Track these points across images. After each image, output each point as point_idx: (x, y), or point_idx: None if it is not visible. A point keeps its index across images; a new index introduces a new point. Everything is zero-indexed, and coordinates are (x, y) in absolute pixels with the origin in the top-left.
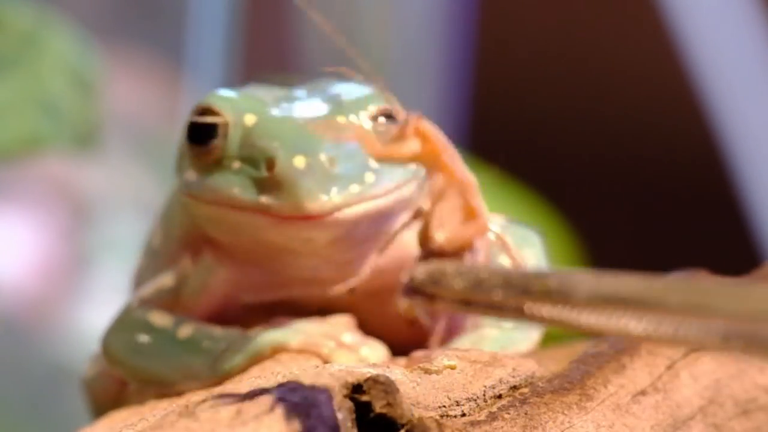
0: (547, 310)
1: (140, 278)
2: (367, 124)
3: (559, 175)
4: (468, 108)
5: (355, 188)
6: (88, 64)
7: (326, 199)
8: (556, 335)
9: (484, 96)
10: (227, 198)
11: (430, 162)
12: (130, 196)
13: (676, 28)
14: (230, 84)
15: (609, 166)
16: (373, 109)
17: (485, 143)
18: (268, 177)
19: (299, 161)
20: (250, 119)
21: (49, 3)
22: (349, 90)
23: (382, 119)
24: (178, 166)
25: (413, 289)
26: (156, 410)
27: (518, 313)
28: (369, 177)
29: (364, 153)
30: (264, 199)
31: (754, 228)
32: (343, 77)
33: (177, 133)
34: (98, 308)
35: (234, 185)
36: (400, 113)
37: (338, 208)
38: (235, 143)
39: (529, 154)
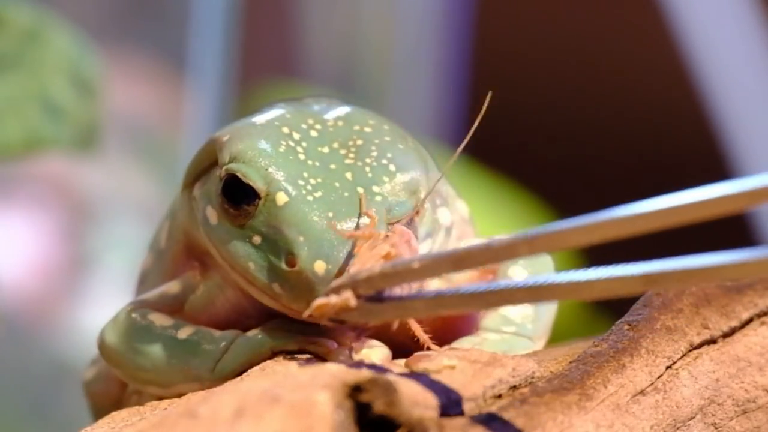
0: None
1: (145, 276)
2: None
3: (557, 175)
4: (468, 108)
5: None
6: (89, 64)
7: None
8: (556, 335)
9: (484, 96)
10: (242, 269)
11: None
12: (130, 196)
13: (676, 27)
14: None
15: (609, 166)
16: (392, 219)
17: (484, 144)
18: (285, 270)
19: (320, 267)
20: (281, 198)
21: (50, 3)
22: (384, 168)
23: (401, 225)
24: (195, 175)
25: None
26: (156, 410)
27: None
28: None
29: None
30: (277, 288)
31: (755, 227)
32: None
33: (177, 134)
34: (98, 308)
35: (251, 261)
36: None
37: None
38: (263, 217)
39: (529, 157)
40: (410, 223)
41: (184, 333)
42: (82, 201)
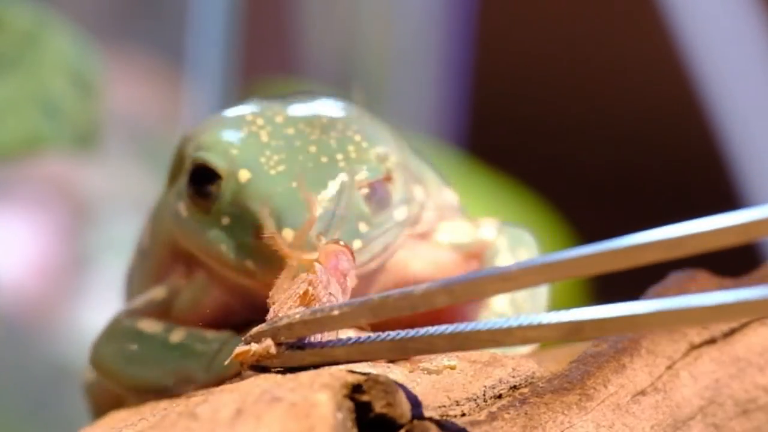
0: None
1: (131, 278)
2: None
3: (557, 175)
4: (468, 108)
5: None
6: (88, 64)
7: None
8: None
9: (484, 96)
10: (214, 252)
11: (308, 266)
12: (130, 196)
13: (676, 28)
14: (230, 85)
15: (608, 166)
16: (361, 180)
17: (484, 144)
18: (254, 242)
19: (287, 234)
20: (243, 175)
21: (49, 3)
22: (349, 138)
23: (372, 184)
24: (172, 176)
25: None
26: (156, 410)
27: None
28: (356, 244)
29: (356, 215)
30: (249, 264)
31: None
32: (350, 99)
33: (177, 133)
34: (98, 308)
35: (221, 242)
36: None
37: None
38: (227, 197)
39: (528, 155)
40: (382, 189)
41: (176, 336)
42: (82, 201)
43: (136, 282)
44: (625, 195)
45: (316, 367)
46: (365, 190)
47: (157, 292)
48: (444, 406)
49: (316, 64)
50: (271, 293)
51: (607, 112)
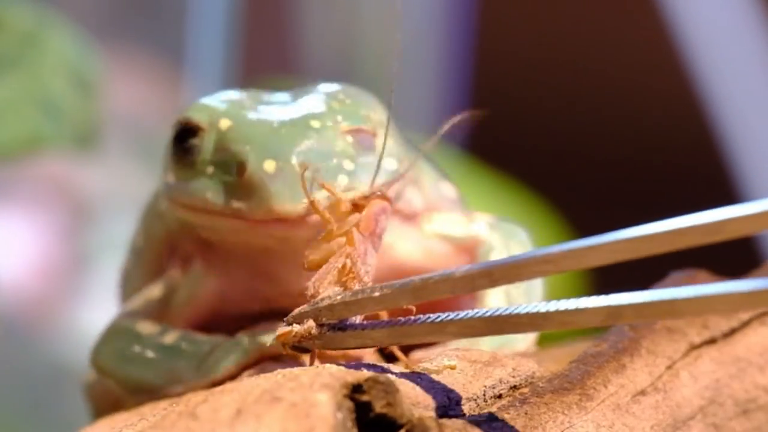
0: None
1: (126, 278)
2: (339, 139)
3: (558, 174)
4: (468, 105)
5: (325, 191)
6: (88, 64)
7: (296, 202)
8: (556, 335)
9: (484, 96)
10: (201, 202)
11: (346, 234)
12: (130, 196)
13: (676, 28)
14: (230, 84)
15: (608, 165)
16: (345, 126)
17: (484, 143)
18: (239, 181)
19: (269, 165)
20: (224, 123)
21: (49, 3)
22: (333, 95)
23: (352, 138)
24: (164, 168)
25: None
26: (156, 410)
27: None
28: (342, 179)
29: (339, 152)
30: (236, 204)
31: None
32: (341, 81)
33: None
34: (98, 308)
35: (207, 190)
36: (376, 135)
37: (309, 212)
38: (210, 148)
39: (529, 154)
40: (366, 139)
41: (169, 338)
42: (82, 201)
43: (131, 282)
44: (626, 195)
45: (357, 348)
46: (349, 138)
47: (154, 290)
48: (444, 406)
49: (316, 64)
50: (308, 257)
51: (607, 111)
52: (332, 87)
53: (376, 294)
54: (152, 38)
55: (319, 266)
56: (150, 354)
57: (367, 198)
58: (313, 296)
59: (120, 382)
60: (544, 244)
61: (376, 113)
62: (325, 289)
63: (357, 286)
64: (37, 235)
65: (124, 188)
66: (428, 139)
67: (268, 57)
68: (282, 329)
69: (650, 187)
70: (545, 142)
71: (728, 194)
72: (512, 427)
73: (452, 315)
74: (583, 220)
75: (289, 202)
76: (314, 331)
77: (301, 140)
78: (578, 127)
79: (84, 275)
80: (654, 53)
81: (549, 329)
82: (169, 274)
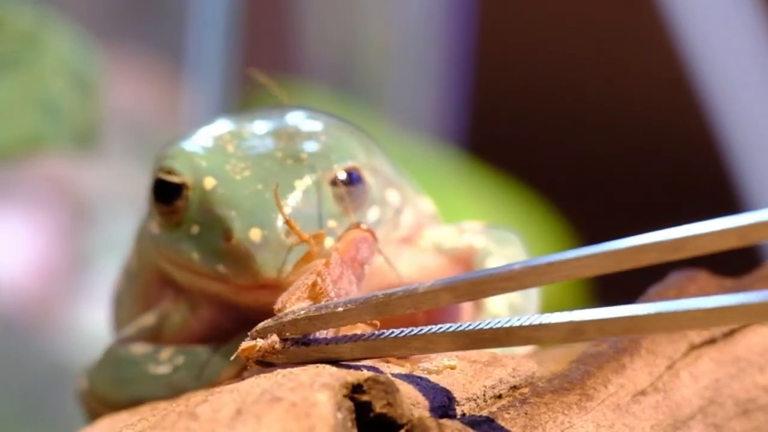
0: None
1: (119, 301)
2: (327, 189)
3: (558, 174)
4: (468, 108)
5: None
6: (88, 64)
7: (282, 270)
8: None
9: (484, 96)
10: (187, 262)
11: (325, 257)
12: (130, 196)
13: (677, 28)
14: (230, 84)
15: (608, 165)
16: (333, 170)
17: (485, 143)
18: (225, 247)
19: (255, 234)
20: (209, 183)
21: (49, 3)
22: (318, 135)
23: (342, 176)
24: (148, 214)
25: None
26: (156, 410)
27: None
28: (327, 243)
29: (324, 214)
30: (222, 269)
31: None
32: (318, 114)
33: (176, 133)
34: (98, 308)
35: (193, 251)
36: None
37: (295, 278)
38: (195, 206)
39: (528, 154)
40: (353, 185)
41: (165, 354)
42: (82, 201)
43: (124, 305)
44: (626, 195)
45: (321, 363)
46: (334, 189)
47: (148, 319)
48: (444, 406)
49: (316, 64)
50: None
51: (608, 111)
52: (313, 126)
53: (340, 309)
54: (152, 38)
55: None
56: (149, 371)
57: (348, 231)
58: (280, 310)
59: (120, 403)
60: (543, 243)
61: (358, 151)
62: (293, 304)
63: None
64: (36, 235)
65: (124, 188)
66: (427, 139)
67: (268, 57)
68: (246, 343)
69: (650, 187)
70: (545, 142)
71: (729, 195)
72: (512, 427)
73: (415, 330)
74: (583, 220)
75: (274, 271)
76: (278, 345)
77: (286, 204)
78: (578, 127)
79: (84, 275)
80: (655, 54)
81: (512, 345)
82: (163, 303)
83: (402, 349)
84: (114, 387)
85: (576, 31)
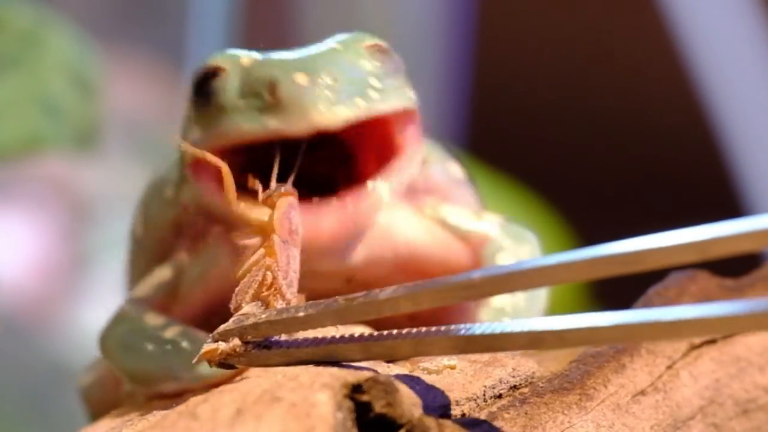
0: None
1: (130, 269)
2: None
3: (558, 174)
4: (468, 108)
5: (361, 102)
6: (88, 64)
7: (335, 110)
8: None
9: (484, 96)
10: (236, 133)
11: (262, 235)
12: (130, 196)
13: (676, 26)
14: None
15: (609, 165)
16: (367, 42)
17: (484, 143)
18: (272, 101)
19: (301, 78)
20: (246, 61)
21: (49, 3)
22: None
23: (377, 57)
24: (185, 130)
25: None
26: (156, 410)
27: None
28: (373, 94)
29: (367, 71)
30: (274, 123)
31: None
32: None
33: (176, 133)
34: (98, 308)
35: (240, 118)
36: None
37: (348, 121)
38: (235, 85)
39: (528, 154)
40: (392, 65)
41: (171, 333)
42: (82, 201)
43: (135, 269)
44: (626, 195)
45: (282, 366)
46: (375, 62)
47: (164, 273)
48: (444, 406)
49: None
50: (237, 275)
51: (608, 112)
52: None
53: (301, 314)
54: (152, 39)
55: (243, 277)
56: (149, 347)
57: (270, 197)
58: (236, 310)
59: (120, 369)
60: (544, 244)
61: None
62: (247, 303)
63: (279, 301)
64: (37, 235)
65: (124, 188)
66: (430, 141)
67: None
68: (207, 346)
69: (651, 187)
70: (545, 142)
71: (729, 196)
72: (512, 427)
73: (376, 334)
74: (583, 221)
75: (328, 111)
76: (239, 348)
77: (328, 58)
78: (579, 127)
79: (84, 275)
80: (657, 56)
81: (473, 352)
82: (177, 256)
83: (364, 354)
84: (117, 350)
85: (576, 31)
